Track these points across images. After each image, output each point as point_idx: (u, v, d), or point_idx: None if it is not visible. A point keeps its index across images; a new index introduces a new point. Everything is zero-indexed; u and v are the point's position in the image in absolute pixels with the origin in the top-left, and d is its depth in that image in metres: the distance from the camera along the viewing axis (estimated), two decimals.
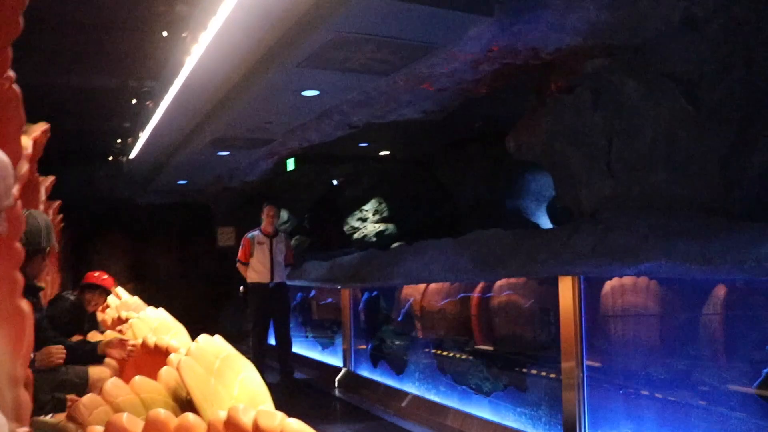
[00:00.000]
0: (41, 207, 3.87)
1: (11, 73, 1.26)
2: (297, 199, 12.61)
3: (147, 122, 7.81)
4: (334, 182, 13.32)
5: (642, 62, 4.29)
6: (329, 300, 8.64)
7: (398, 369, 6.83)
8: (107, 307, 5.74)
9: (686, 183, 4.12)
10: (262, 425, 1.59)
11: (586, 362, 4.58)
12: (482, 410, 5.54)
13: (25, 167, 2.14)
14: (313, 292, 9.09)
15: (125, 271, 12.73)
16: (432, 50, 4.55)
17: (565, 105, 4.74)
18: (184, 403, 2.49)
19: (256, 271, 7.52)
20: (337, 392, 7.50)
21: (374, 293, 7.42)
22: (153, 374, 2.65)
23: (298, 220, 12.61)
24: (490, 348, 5.59)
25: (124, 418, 1.76)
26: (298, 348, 9.01)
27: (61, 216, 6.39)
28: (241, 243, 7.71)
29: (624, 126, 4.45)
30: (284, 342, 7.71)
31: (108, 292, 5.27)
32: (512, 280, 5.35)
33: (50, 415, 2.71)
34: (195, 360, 2.36)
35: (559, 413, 4.73)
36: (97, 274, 5.18)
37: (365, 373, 7.44)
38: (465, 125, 10.39)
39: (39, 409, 2.72)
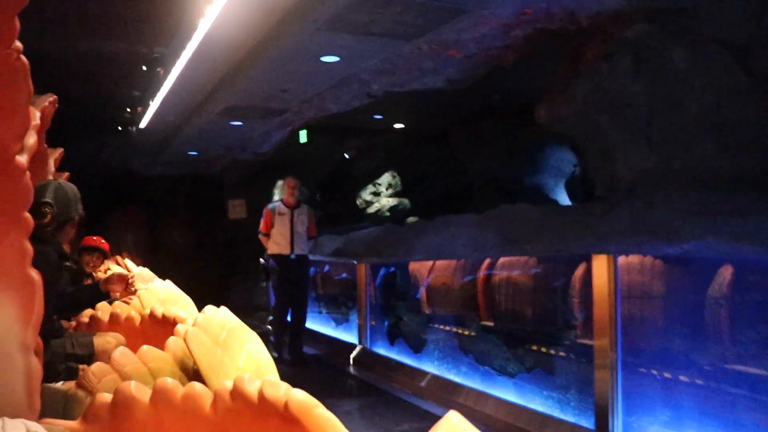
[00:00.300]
0: (50, 178, 3.80)
1: (18, 45, 1.25)
2: (309, 172, 12.35)
3: (157, 90, 7.55)
4: (346, 156, 13.07)
5: (688, 26, 3.99)
6: (344, 275, 8.43)
7: (416, 347, 6.63)
8: (108, 269, 5.87)
9: (736, 157, 3.85)
10: (268, 395, 1.62)
11: (621, 345, 4.35)
12: (507, 392, 5.33)
13: (33, 139, 2.17)
14: (327, 267, 8.88)
15: (135, 243, 12.56)
16: (461, 13, 4.27)
17: (603, 73, 4.46)
18: (191, 373, 2.52)
19: (277, 242, 7.32)
20: (351, 369, 7.32)
21: (392, 269, 7.20)
22: (160, 344, 2.66)
23: (309, 193, 12.37)
24: (517, 328, 5.36)
25: (132, 386, 1.75)
26: (311, 323, 8.83)
27: None
28: (263, 213, 7.52)
29: (667, 95, 4.17)
30: (299, 317, 7.53)
31: (105, 254, 5.73)
32: (528, 259, 5.11)
33: (61, 383, 2.72)
34: (202, 330, 2.39)
35: (590, 397, 4.51)
36: (95, 237, 5.62)
37: (381, 350, 7.24)
38: (482, 98, 10.08)
39: (54, 377, 2.75)
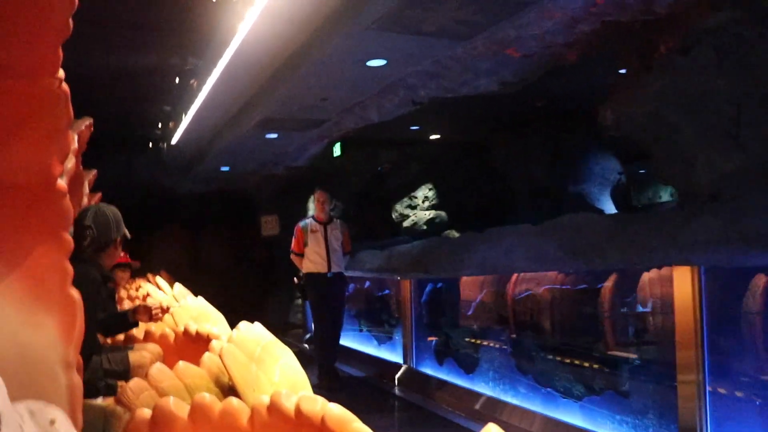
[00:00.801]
0: (85, 200, 4.05)
1: (61, 73, 1.29)
2: (343, 186, 12.05)
3: (190, 104, 7.30)
4: (380, 169, 12.75)
5: None
6: (386, 291, 8.08)
7: (468, 367, 6.24)
8: (148, 295, 5.96)
9: None
10: (305, 409, 1.63)
11: (708, 365, 3.94)
12: (572, 416, 4.92)
13: (71, 162, 2.26)
14: (367, 283, 8.54)
15: (173, 261, 12.33)
16: (525, 6, 3.92)
17: (680, 68, 4.07)
18: (226, 389, 2.55)
19: (312, 261, 6.98)
20: (397, 390, 6.95)
21: (439, 285, 6.83)
22: (195, 361, 2.69)
23: (344, 207, 12.06)
24: (587, 348, 4.96)
25: (171, 401, 1.79)
26: (350, 342, 8.49)
27: None
28: (294, 233, 7.18)
29: (757, 90, 3.77)
30: (334, 335, 7.18)
31: (131, 268, 6.11)
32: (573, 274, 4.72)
33: (100, 399, 2.79)
34: (237, 347, 2.42)
35: (673, 423, 4.10)
36: (122, 254, 5.41)
37: (429, 370, 6.86)
38: (524, 105, 9.73)
39: (94, 394, 2.82)
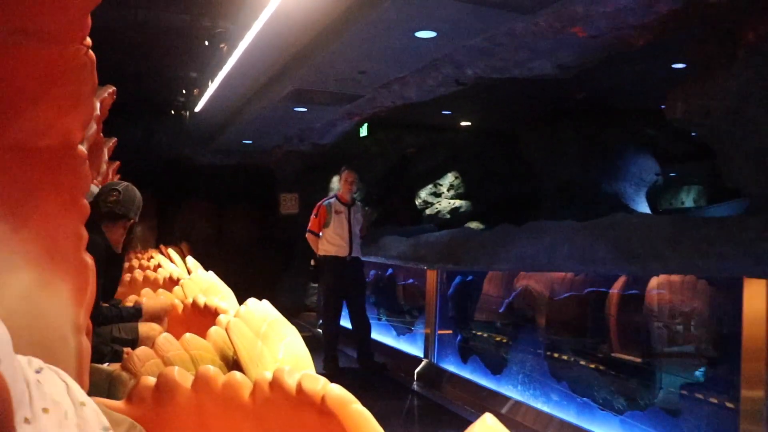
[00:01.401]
0: (103, 167, 4.08)
1: (89, 41, 1.31)
2: (367, 168, 11.66)
3: (218, 70, 6.92)
4: (407, 154, 12.36)
5: None
6: (410, 281, 7.72)
7: (495, 368, 5.87)
8: (159, 266, 5.89)
9: None
10: (306, 388, 1.65)
11: None
12: (610, 431, 4.55)
13: (93, 128, 2.30)
14: (389, 271, 8.18)
15: (184, 234, 12.04)
16: None
17: None
18: (231, 363, 2.59)
19: (332, 243, 6.61)
20: (415, 386, 6.59)
21: (469, 278, 6.46)
22: (201, 333, 2.72)
23: (367, 190, 11.68)
24: (632, 358, 4.58)
25: (176, 371, 1.80)
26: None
27: (118, 176, 6.12)
28: (314, 211, 6.80)
29: None
30: (363, 324, 6.83)
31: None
32: (673, 277, 4.32)
33: (107, 364, 2.81)
34: (243, 322, 2.44)
35: None
36: None
37: (451, 367, 6.50)
38: (560, 97, 9.30)
39: (99, 359, 2.84)
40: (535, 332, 5.52)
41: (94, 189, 3.38)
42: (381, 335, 8.08)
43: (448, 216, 11.87)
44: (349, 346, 7.62)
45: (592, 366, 4.88)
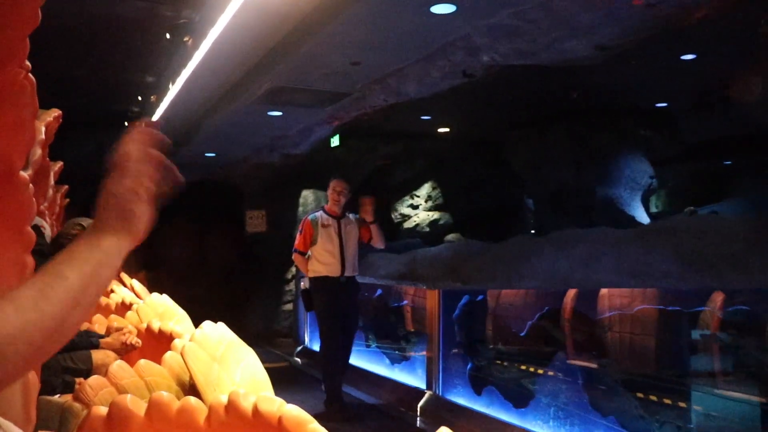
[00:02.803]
0: (50, 192, 3.98)
1: (28, 64, 1.27)
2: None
3: (182, 68, 6.03)
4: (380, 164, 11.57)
5: None
6: (403, 303, 6.90)
7: (518, 400, 5.08)
8: (112, 291, 5.71)
9: None
10: (262, 410, 1.64)
11: None
12: None
13: (38, 153, 2.46)
14: (378, 292, 7.35)
15: (136, 257, 10.98)
16: None
17: None
18: (187, 388, 2.54)
19: (322, 262, 5.75)
20: (419, 422, 5.77)
21: (479, 298, 5.68)
22: (157, 359, 2.67)
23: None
24: (707, 386, 3.85)
25: (128, 399, 1.72)
26: (356, 359, 7.27)
27: (67, 201, 5.89)
28: (299, 227, 5.93)
29: None
30: (344, 351, 5.97)
31: None
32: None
33: (58, 396, 2.70)
34: (199, 346, 2.41)
35: None
36: None
37: (461, 400, 5.69)
38: (550, 98, 8.67)
39: (50, 391, 2.71)
40: (569, 358, 4.76)
41: (38, 220, 3.30)
42: (372, 364, 7.22)
43: (427, 229, 11.13)
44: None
45: (650, 397, 4.13)
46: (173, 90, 6.59)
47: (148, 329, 3.42)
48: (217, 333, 2.60)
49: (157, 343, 3.25)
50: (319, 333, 6.05)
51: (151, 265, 10.87)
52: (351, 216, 6.03)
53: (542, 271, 4.68)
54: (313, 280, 5.85)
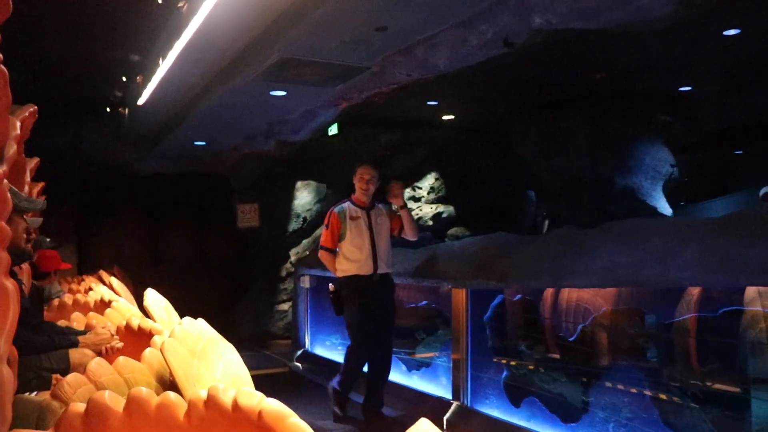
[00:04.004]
0: (26, 189, 3.88)
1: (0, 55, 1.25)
2: (336, 172, 10.17)
3: (175, 40, 5.31)
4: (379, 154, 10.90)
5: None
6: (423, 303, 6.25)
7: (567, 413, 4.46)
8: (90, 288, 5.69)
9: None
10: (242, 404, 1.64)
11: None
12: None
13: (12, 149, 2.26)
14: (394, 288, 6.68)
15: (122, 255, 10.22)
16: None
17: None
18: (167, 384, 2.53)
19: (351, 259, 5.07)
20: None
21: (516, 297, 5.04)
22: (136, 356, 2.67)
23: (336, 197, 10.16)
24: None
25: (106, 395, 1.72)
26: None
27: (44, 197, 5.41)
28: (325, 221, 5.22)
29: None
30: (381, 362, 5.29)
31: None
32: None
33: (35, 393, 2.70)
34: (179, 342, 2.40)
35: None
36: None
37: (495, 412, 5.04)
38: (564, 81, 8.08)
39: (24, 387, 2.65)
40: (634, 365, 4.14)
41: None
42: None
43: (431, 223, 10.50)
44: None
45: (734, 410, 3.53)
46: (163, 67, 5.87)
47: (128, 326, 3.40)
48: (197, 329, 2.61)
49: (137, 340, 3.23)
50: (350, 339, 5.35)
51: (131, 262, 10.13)
52: (381, 206, 5.36)
53: (601, 267, 4.04)
54: (343, 281, 5.17)
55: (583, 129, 8.65)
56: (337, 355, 7.47)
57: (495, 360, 5.18)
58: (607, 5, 3.55)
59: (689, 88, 8.33)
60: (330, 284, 5.43)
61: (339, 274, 5.15)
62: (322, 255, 5.21)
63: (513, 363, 5.00)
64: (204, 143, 8.40)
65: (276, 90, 5.87)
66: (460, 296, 5.39)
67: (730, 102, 8.88)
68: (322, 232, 5.20)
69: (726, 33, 6.20)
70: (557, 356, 4.66)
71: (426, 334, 6.18)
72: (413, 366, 6.13)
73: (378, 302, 5.10)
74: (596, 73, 7.48)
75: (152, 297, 4.11)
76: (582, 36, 5.49)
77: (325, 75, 5.31)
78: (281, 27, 4.56)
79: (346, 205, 5.15)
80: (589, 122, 8.62)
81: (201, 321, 2.74)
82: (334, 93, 5.96)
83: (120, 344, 3.18)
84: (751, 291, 3.73)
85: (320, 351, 7.85)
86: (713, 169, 12.32)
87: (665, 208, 8.62)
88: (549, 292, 4.79)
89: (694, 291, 3.80)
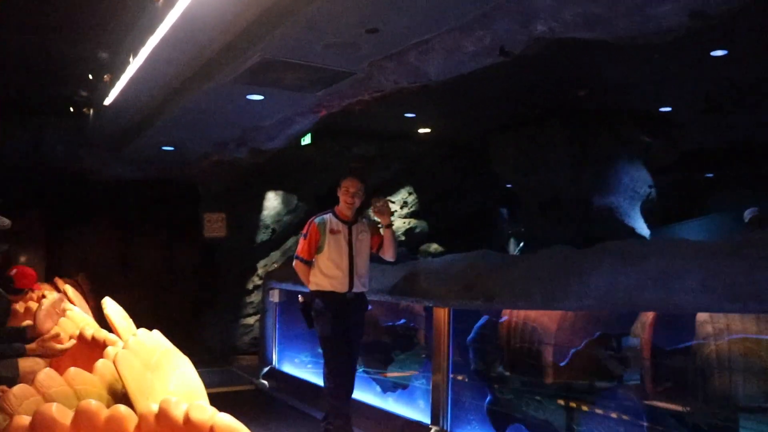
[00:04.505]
0: None
1: None
2: (308, 184, 9.89)
3: (148, 35, 5.00)
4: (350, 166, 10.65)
5: None
6: (401, 321, 5.99)
7: None
8: (43, 296, 5.31)
9: None
10: (194, 418, 1.62)
11: None
12: None
13: None
14: (368, 307, 6.41)
15: (84, 263, 9.75)
16: None
17: None
18: (120, 397, 2.51)
19: (327, 274, 4.75)
20: None
21: (503, 319, 4.80)
22: (88, 367, 2.61)
23: (307, 208, 9.87)
24: None
25: (54, 407, 1.72)
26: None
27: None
28: (304, 230, 4.91)
29: None
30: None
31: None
32: None
33: None
34: (133, 353, 2.38)
35: None
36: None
37: None
38: (545, 97, 7.95)
39: None
40: (628, 392, 3.94)
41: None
42: (359, 392, 6.25)
43: (403, 238, 10.26)
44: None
45: None
46: (134, 65, 5.54)
47: (81, 336, 3.30)
48: (152, 341, 2.56)
49: (90, 350, 3.15)
50: (324, 358, 5.02)
51: (95, 270, 9.66)
52: (365, 221, 5.08)
53: (598, 289, 3.83)
54: (315, 295, 4.86)
55: (563, 146, 8.51)
56: (307, 374, 7.16)
57: (476, 383, 4.94)
58: (618, 14, 3.36)
59: (670, 108, 8.28)
60: (299, 296, 5.11)
61: (311, 287, 4.84)
62: (297, 265, 4.89)
63: (497, 387, 4.76)
64: (172, 148, 8.04)
65: (253, 94, 5.58)
66: (441, 316, 5.14)
67: (708, 124, 8.86)
68: (299, 241, 4.88)
69: (714, 53, 6.11)
70: (546, 381, 4.43)
71: (402, 354, 5.92)
72: (388, 387, 5.86)
73: (348, 321, 4.81)
74: (579, 90, 7.34)
75: (111, 306, 3.89)
76: (565, 52, 5.38)
77: (307, 79, 5.04)
78: (265, 25, 4.29)
79: (328, 216, 4.85)
80: (569, 139, 8.49)
81: (156, 332, 2.67)
82: (313, 99, 5.69)
83: (71, 343, 3.12)
84: (702, 315, 3.65)
85: (289, 368, 7.52)
86: (681, 191, 12.31)
87: (643, 229, 8.52)
88: (538, 314, 4.57)
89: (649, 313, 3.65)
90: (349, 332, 4.83)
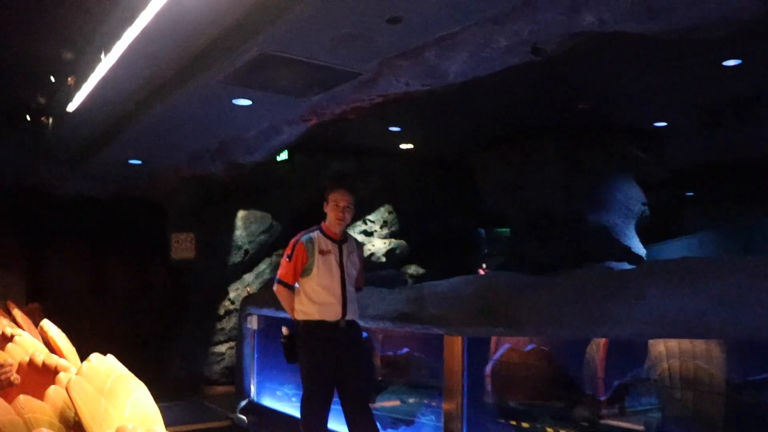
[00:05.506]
0: None
1: None
2: (283, 201, 9.30)
3: (121, 31, 4.42)
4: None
5: None
6: (404, 350, 5.45)
7: None
8: None
9: None
10: None
11: None
12: None
13: None
14: (363, 335, 5.85)
15: (28, 287, 8.93)
16: None
17: None
18: (72, 424, 2.45)
19: (316, 301, 4.10)
20: None
21: (529, 347, 4.31)
22: (39, 394, 2.55)
23: (282, 228, 9.27)
24: None
25: None
26: (334, 422, 5.69)
27: None
28: (288, 251, 4.25)
29: None
30: (364, 426, 4.35)
31: None
32: None
33: None
34: (86, 379, 2.32)
35: None
36: None
37: None
38: (537, 111, 7.58)
39: None
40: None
41: None
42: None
43: (384, 259, 9.73)
44: None
45: None
46: (105, 64, 4.93)
47: (31, 362, 3.16)
48: (106, 366, 2.53)
49: (41, 377, 3.03)
50: (302, 396, 4.41)
51: (51, 295, 8.86)
52: (352, 240, 4.47)
53: (648, 314, 3.38)
54: (303, 326, 4.23)
55: (555, 162, 8.15)
56: (290, 408, 6.53)
57: (498, 420, 4.42)
58: (678, 3, 2.93)
59: (665, 124, 7.99)
60: (283, 327, 4.44)
61: (298, 317, 4.17)
62: (279, 290, 4.22)
63: (524, 425, 4.25)
64: (140, 162, 7.38)
65: (241, 98, 5.01)
66: (454, 345, 4.61)
67: (700, 141, 8.63)
68: (282, 263, 4.20)
69: (726, 63, 5.81)
70: (583, 416, 3.94)
71: (406, 388, 5.37)
72: (394, 425, 5.27)
73: (344, 354, 4.18)
74: (580, 103, 6.97)
75: (53, 329, 3.82)
76: (557, 64, 5.00)
77: (305, 80, 4.50)
78: (266, 13, 3.75)
79: (316, 235, 4.17)
80: (562, 155, 8.13)
81: (110, 357, 2.62)
82: (307, 106, 5.16)
83: (16, 378, 2.93)
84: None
85: (270, 402, 6.86)
86: (660, 209, 12.13)
87: (639, 248, 8.19)
88: (569, 342, 4.10)
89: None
90: (343, 366, 4.20)
